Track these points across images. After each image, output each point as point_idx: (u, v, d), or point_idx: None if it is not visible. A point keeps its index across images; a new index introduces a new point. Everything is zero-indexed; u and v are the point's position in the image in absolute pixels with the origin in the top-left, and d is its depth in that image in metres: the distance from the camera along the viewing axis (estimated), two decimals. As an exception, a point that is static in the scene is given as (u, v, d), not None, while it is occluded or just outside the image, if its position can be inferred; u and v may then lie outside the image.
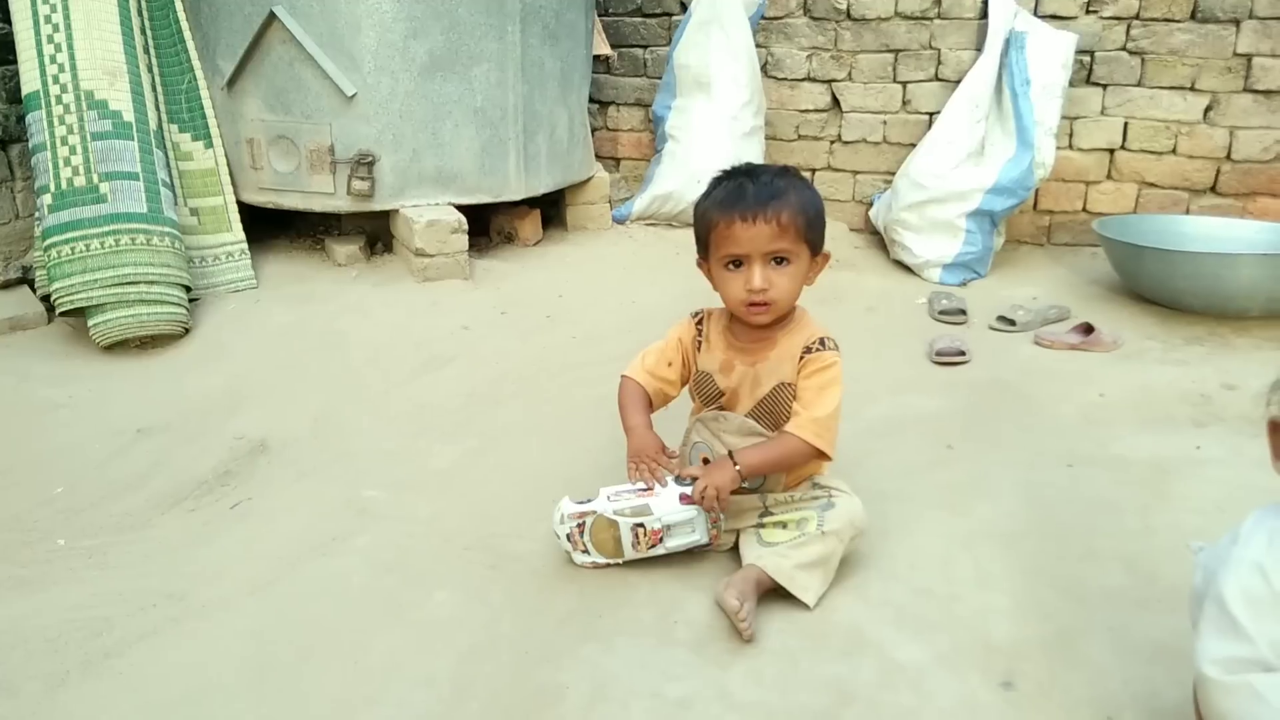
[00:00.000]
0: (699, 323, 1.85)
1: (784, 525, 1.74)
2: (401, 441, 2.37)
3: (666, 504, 1.71)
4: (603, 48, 4.14)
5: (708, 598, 1.68)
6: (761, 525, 1.77)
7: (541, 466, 2.22)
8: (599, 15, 4.19)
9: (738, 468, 1.68)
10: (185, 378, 2.72)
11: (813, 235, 1.68)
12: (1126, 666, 1.51)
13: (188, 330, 2.94)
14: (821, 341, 1.72)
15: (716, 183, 1.71)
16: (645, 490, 1.73)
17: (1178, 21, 3.63)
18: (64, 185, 2.83)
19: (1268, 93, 3.59)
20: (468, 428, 2.44)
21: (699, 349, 1.83)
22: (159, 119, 3.13)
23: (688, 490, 1.71)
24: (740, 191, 1.63)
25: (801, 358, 1.72)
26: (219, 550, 1.91)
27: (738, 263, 1.66)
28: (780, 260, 1.66)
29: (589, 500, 1.75)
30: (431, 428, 2.43)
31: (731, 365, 1.78)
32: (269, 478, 2.22)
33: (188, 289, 2.97)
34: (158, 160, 3.00)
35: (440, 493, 2.11)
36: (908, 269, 3.78)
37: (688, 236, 3.88)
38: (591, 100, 4.20)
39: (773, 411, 1.76)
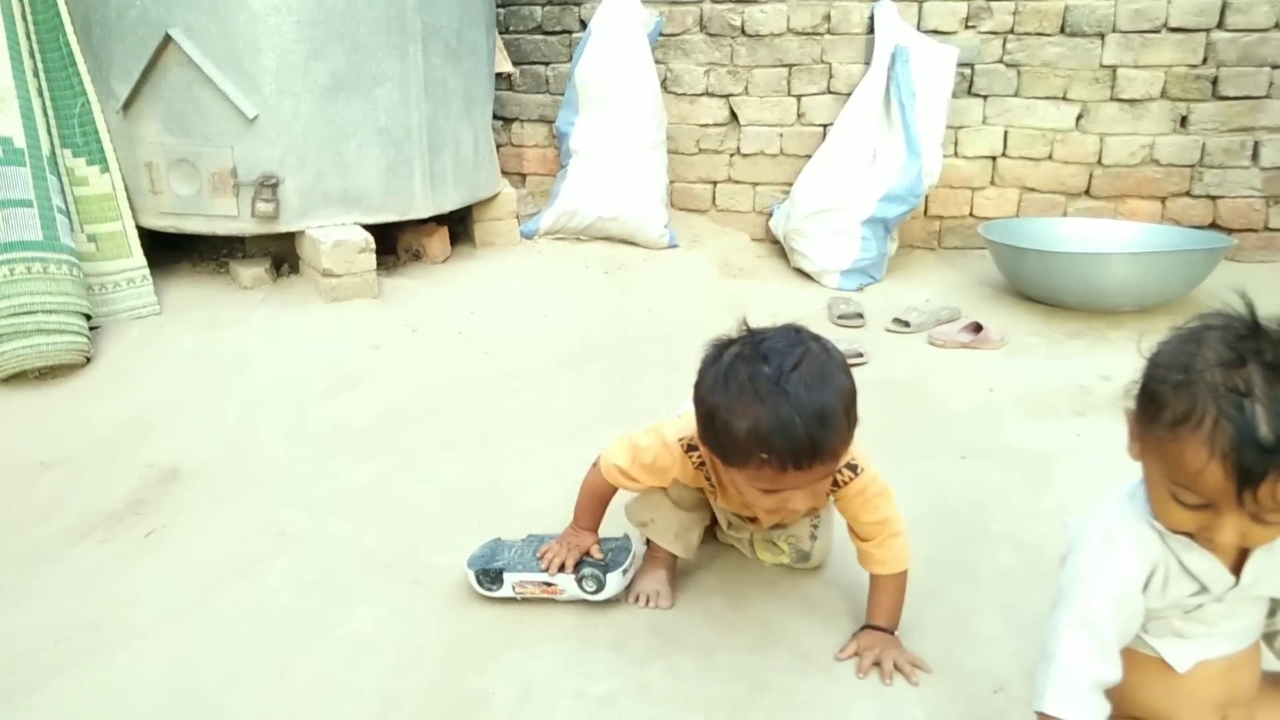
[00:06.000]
0: (700, 464, 1.62)
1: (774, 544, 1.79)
2: (316, 462, 2.37)
3: (569, 591, 1.73)
4: (505, 65, 4.18)
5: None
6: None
7: (458, 482, 2.26)
8: (500, 33, 4.23)
9: (895, 632, 1.62)
10: (89, 407, 2.66)
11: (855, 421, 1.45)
12: (1016, 639, 1.63)
13: (89, 359, 2.87)
14: (851, 469, 1.56)
15: (738, 388, 1.37)
16: (549, 586, 1.72)
17: (1048, 35, 3.86)
18: (-47, 214, 2.75)
19: (1132, 101, 3.84)
20: (382, 446, 2.45)
21: (711, 488, 1.68)
22: (51, 144, 3.06)
23: (589, 592, 1.72)
24: (788, 431, 1.33)
25: (830, 493, 1.57)
26: (135, 579, 1.90)
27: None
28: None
29: (493, 585, 1.75)
30: (346, 448, 2.45)
31: (754, 509, 1.59)
32: (183, 505, 2.21)
33: (88, 317, 2.91)
34: (52, 186, 2.94)
35: (358, 511, 2.13)
36: (807, 276, 3.92)
37: (596, 250, 4.00)
38: (496, 117, 4.24)
39: (802, 526, 1.76)
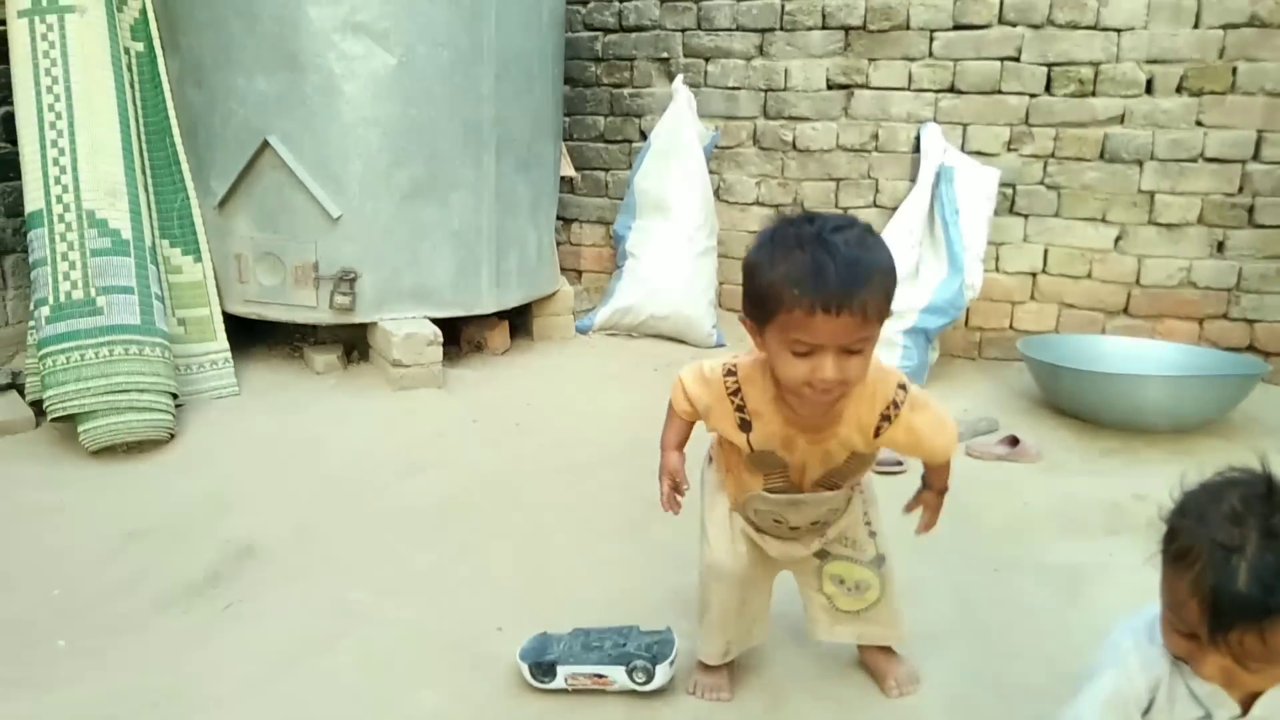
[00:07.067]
0: (734, 392, 1.65)
1: (842, 580, 1.84)
2: (382, 545, 2.52)
3: (620, 682, 1.84)
4: (568, 170, 4.44)
5: (672, 693, 1.86)
6: (822, 568, 1.85)
7: (512, 571, 2.39)
8: (564, 140, 4.51)
9: (944, 491, 1.80)
10: (172, 482, 2.85)
11: (889, 308, 1.48)
12: (1041, 755, 1.71)
13: (173, 436, 3.08)
14: (894, 404, 1.61)
15: (781, 241, 1.47)
16: (600, 678, 1.84)
17: (1088, 160, 4.02)
18: (62, 298, 3.00)
19: (1170, 225, 3.97)
20: (444, 532, 2.59)
21: (742, 427, 1.67)
22: (153, 235, 3.33)
23: (639, 684, 1.83)
24: (821, 273, 1.40)
25: (879, 430, 1.62)
26: (215, 650, 2.04)
27: (807, 350, 1.47)
28: (857, 349, 1.47)
29: (546, 677, 1.86)
30: (410, 532, 2.59)
31: (794, 442, 1.65)
32: (257, 580, 2.35)
33: (175, 395, 3.13)
34: (151, 275, 3.19)
35: (421, 594, 2.26)
36: (851, 380, 4.04)
37: (647, 347, 4.17)
38: (556, 217, 4.48)
39: (845, 475, 1.73)
